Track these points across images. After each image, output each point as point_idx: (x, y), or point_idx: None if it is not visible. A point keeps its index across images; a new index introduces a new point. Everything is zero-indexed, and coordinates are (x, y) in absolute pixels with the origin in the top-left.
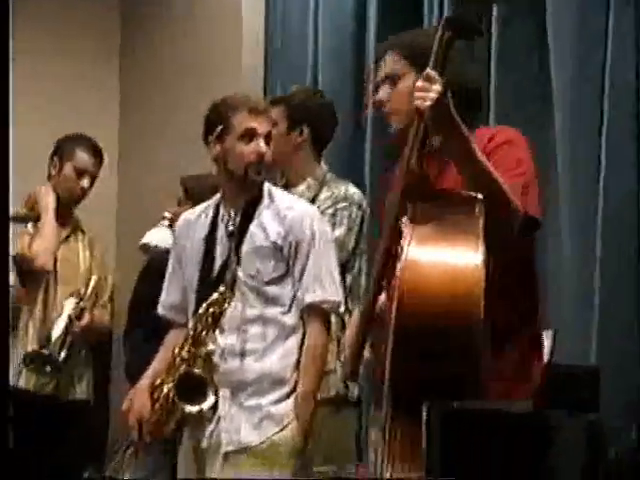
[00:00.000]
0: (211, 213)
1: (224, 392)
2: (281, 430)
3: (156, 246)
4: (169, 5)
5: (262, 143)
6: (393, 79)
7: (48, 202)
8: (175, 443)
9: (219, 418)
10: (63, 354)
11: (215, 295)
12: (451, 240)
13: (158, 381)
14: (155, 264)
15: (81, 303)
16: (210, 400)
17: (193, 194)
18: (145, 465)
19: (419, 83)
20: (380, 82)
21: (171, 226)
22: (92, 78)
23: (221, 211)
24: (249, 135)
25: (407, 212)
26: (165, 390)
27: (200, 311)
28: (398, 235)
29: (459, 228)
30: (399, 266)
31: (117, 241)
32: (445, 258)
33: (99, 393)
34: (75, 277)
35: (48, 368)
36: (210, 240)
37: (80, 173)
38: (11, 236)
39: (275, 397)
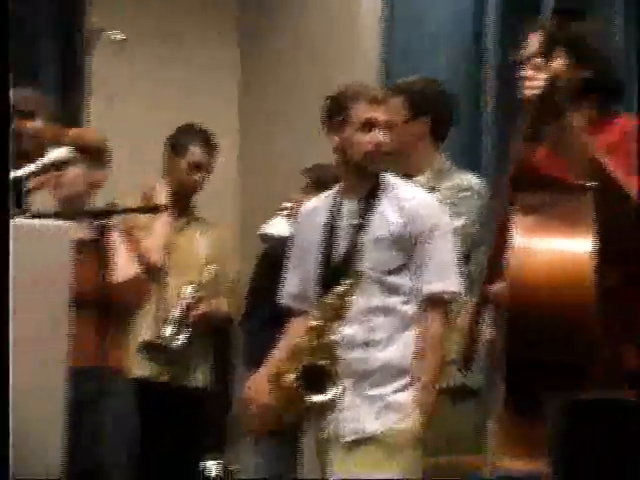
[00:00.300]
0: (331, 202)
1: (347, 382)
2: (402, 420)
3: (275, 236)
4: None
5: (381, 132)
6: None
7: (161, 200)
8: (294, 433)
9: (341, 408)
10: (178, 343)
11: (339, 287)
12: (560, 229)
13: (279, 369)
14: (273, 253)
15: (197, 293)
16: (333, 391)
17: (317, 184)
18: (264, 455)
19: (527, 72)
20: (523, 60)
21: (290, 216)
22: (212, 66)
23: (341, 201)
24: (368, 125)
25: (517, 201)
26: (287, 379)
27: (323, 301)
28: (508, 224)
29: (568, 217)
30: (509, 256)
31: (239, 230)
32: (554, 247)
33: (220, 381)
34: (192, 266)
35: (162, 358)
36: (330, 230)
37: (193, 168)
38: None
39: (396, 387)
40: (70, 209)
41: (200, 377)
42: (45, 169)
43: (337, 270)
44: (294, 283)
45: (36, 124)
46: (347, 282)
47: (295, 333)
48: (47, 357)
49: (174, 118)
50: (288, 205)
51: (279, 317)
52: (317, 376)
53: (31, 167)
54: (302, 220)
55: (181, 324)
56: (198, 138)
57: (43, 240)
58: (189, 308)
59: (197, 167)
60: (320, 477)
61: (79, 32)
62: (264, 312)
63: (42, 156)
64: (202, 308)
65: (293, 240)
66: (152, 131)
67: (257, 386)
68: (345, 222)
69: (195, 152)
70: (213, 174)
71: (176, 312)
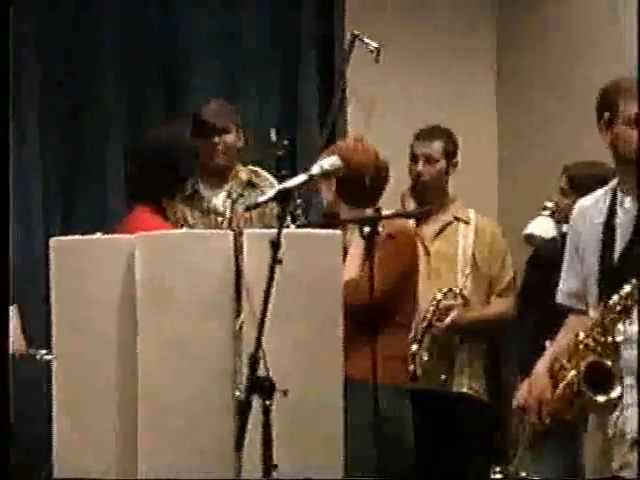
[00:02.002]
0: (609, 199)
1: (629, 380)
2: None
3: (540, 236)
4: None
5: None
6: None
7: (408, 205)
8: (574, 433)
9: (625, 406)
10: (423, 354)
11: (628, 287)
12: None
13: (558, 365)
14: (541, 254)
15: (446, 300)
16: (617, 390)
17: (577, 182)
18: (544, 457)
19: None
20: None
21: (553, 215)
22: (468, 61)
23: (618, 197)
24: (638, 120)
25: None
26: (568, 375)
27: (611, 301)
28: None
29: None
30: None
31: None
32: None
33: (493, 386)
34: (449, 271)
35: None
36: (609, 226)
37: (412, 158)
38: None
39: None
40: (335, 218)
41: (465, 383)
42: (315, 179)
43: (617, 268)
44: (572, 282)
45: (229, 139)
46: (634, 283)
47: (574, 331)
48: (318, 359)
49: (425, 122)
50: (550, 205)
51: (554, 317)
52: (601, 375)
53: (301, 178)
54: (576, 219)
55: (425, 334)
56: (427, 130)
57: (315, 248)
58: (434, 316)
59: (416, 158)
60: (603, 476)
61: (338, 41)
62: (538, 313)
63: (229, 170)
64: (452, 316)
65: (569, 239)
66: (407, 136)
67: (538, 381)
68: (623, 219)
69: (415, 143)
70: (471, 175)
71: (424, 322)
